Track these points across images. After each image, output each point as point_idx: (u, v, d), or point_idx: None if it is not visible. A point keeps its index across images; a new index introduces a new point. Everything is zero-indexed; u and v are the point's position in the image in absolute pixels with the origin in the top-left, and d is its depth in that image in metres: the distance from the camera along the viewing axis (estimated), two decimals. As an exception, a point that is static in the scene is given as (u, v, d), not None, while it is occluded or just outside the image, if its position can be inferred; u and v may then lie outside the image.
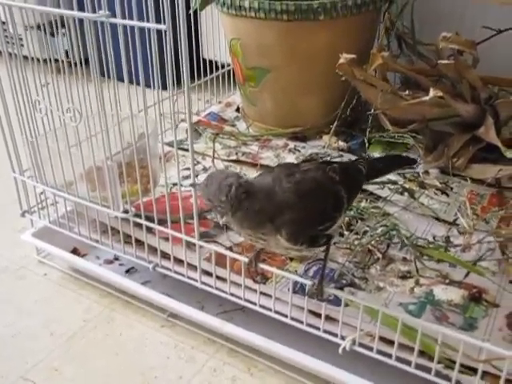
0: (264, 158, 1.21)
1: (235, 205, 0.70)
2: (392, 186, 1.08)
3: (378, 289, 0.86)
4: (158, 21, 0.74)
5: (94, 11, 0.78)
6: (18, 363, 0.89)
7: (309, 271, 0.89)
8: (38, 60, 0.90)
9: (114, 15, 0.75)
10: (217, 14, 1.32)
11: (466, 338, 0.69)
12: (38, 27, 0.89)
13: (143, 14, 0.79)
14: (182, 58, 0.73)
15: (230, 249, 0.93)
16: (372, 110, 1.17)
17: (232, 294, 0.87)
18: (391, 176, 1.08)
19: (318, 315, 0.80)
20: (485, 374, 0.71)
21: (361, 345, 0.77)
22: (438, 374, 0.72)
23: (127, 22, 0.74)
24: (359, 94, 1.21)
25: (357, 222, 0.99)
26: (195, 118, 1.38)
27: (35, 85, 0.91)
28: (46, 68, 0.90)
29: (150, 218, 0.90)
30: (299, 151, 1.24)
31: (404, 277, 0.88)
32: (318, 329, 0.80)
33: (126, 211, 0.91)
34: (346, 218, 0.97)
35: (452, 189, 1.09)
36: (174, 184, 1.08)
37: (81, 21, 0.80)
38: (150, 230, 0.92)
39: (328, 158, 1.20)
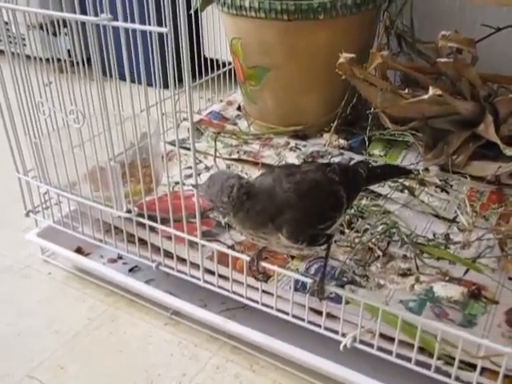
0: (265, 157, 1.22)
1: (237, 206, 0.72)
2: (392, 184, 1.08)
3: (379, 286, 0.87)
4: (160, 20, 0.75)
5: (95, 13, 0.78)
6: (23, 361, 0.90)
7: (310, 269, 0.91)
8: (41, 59, 0.91)
9: (115, 16, 0.76)
10: (217, 12, 1.33)
11: (465, 335, 0.70)
12: (41, 27, 0.90)
13: (144, 15, 0.80)
14: (183, 57, 0.74)
15: (232, 247, 0.94)
16: (372, 109, 1.17)
17: (234, 293, 0.88)
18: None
19: (319, 313, 0.81)
20: (484, 369, 0.72)
21: (361, 342, 0.78)
22: (437, 370, 0.73)
23: (129, 25, 0.75)
24: (359, 93, 1.22)
25: (357, 219, 0.99)
26: (197, 117, 1.39)
27: (38, 84, 0.92)
28: (49, 67, 0.91)
29: (152, 218, 0.91)
30: (300, 149, 1.25)
31: (404, 274, 0.89)
32: (319, 326, 0.81)
33: (129, 211, 0.92)
34: (347, 216, 0.98)
35: (452, 186, 1.10)
36: (176, 183, 1.09)
37: (83, 22, 0.81)
38: (152, 229, 0.93)
39: (329, 156, 1.21)
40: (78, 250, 1.08)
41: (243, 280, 0.85)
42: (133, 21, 0.75)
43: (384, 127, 1.20)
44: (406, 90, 1.11)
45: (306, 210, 0.74)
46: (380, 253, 0.92)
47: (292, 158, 1.21)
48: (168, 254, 0.94)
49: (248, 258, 0.85)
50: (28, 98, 0.94)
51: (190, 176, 1.11)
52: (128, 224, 0.95)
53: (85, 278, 1.06)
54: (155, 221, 0.90)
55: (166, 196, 0.92)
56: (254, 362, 0.88)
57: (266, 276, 0.88)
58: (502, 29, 1.20)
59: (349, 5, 1.16)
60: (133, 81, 0.81)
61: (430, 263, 0.91)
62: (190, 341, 0.93)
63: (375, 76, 1.15)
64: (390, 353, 0.76)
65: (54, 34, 0.93)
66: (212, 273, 0.89)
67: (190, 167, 1.13)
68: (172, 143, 1.17)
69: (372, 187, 1.06)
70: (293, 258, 0.92)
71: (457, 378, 0.72)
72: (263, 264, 0.85)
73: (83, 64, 0.87)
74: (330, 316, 0.81)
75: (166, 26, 0.72)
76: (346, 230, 0.97)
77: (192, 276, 0.92)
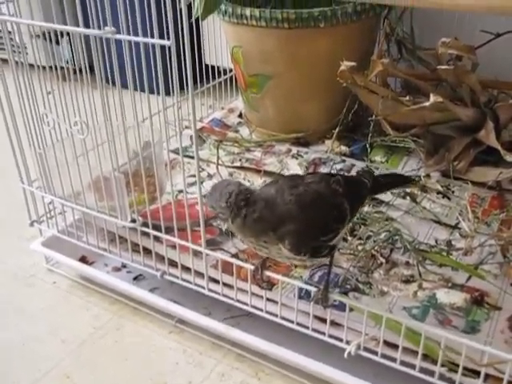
0: (267, 164, 1.22)
1: (234, 211, 0.74)
2: (394, 191, 1.09)
3: (382, 293, 0.88)
4: (161, 29, 0.76)
5: (98, 25, 0.80)
6: (29, 370, 0.91)
7: (314, 276, 0.91)
8: (44, 68, 0.92)
9: (118, 27, 0.77)
10: (219, 20, 1.34)
11: (469, 342, 0.70)
12: (44, 35, 0.91)
13: (147, 25, 0.81)
14: (186, 68, 0.75)
15: (236, 255, 0.95)
16: (373, 116, 1.18)
17: (239, 301, 0.88)
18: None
19: (324, 320, 0.82)
20: (487, 376, 0.72)
21: (366, 349, 0.79)
22: (441, 377, 0.73)
23: (132, 38, 0.76)
24: (360, 100, 1.22)
25: (360, 227, 1.00)
26: (198, 125, 1.40)
27: (41, 93, 0.93)
28: (52, 75, 0.92)
29: (157, 227, 0.92)
30: (302, 156, 1.25)
31: (407, 281, 0.90)
32: (323, 334, 0.82)
33: (133, 220, 0.93)
34: (350, 224, 0.98)
35: (453, 192, 1.11)
36: (180, 191, 1.09)
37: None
38: (157, 238, 0.94)
39: (331, 163, 1.21)
40: (83, 259, 1.09)
41: (247, 288, 0.86)
42: (135, 30, 0.76)
43: (385, 134, 1.21)
44: (407, 97, 1.12)
45: (308, 223, 0.75)
46: (383, 260, 0.93)
47: (294, 165, 1.22)
48: (172, 263, 0.94)
49: (252, 267, 0.85)
50: (32, 109, 0.94)
51: (193, 184, 1.12)
52: (132, 233, 0.96)
53: (89, 287, 1.07)
54: (159, 230, 0.91)
55: (169, 204, 0.93)
56: (259, 370, 0.89)
57: (270, 284, 0.89)
58: (501, 35, 1.21)
59: (349, 13, 1.17)
60: (135, 88, 0.82)
61: (432, 270, 0.91)
62: (195, 349, 0.93)
63: (376, 83, 1.16)
64: (394, 360, 0.76)
65: (57, 43, 0.93)
66: (216, 281, 0.90)
67: (193, 175, 1.14)
68: (175, 151, 1.18)
69: (374, 194, 1.07)
70: (296, 265, 0.93)
71: (460, 385, 0.72)
72: (267, 273, 0.86)
73: (86, 72, 0.87)
74: (334, 324, 0.82)
75: (168, 38, 0.73)
76: (349, 238, 0.98)
77: (196, 285, 0.92)
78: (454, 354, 0.74)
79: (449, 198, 1.09)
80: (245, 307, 0.88)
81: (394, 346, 0.77)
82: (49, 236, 1.10)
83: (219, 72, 1.49)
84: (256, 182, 1.17)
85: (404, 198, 1.08)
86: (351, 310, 0.80)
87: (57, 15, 0.85)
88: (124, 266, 1.08)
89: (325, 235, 0.77)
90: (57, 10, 0.85)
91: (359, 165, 1.21)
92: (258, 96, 1.31)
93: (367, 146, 1.25)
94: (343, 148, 1.27)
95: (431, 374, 0.74)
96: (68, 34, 0.87)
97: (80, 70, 0.88)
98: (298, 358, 0.84)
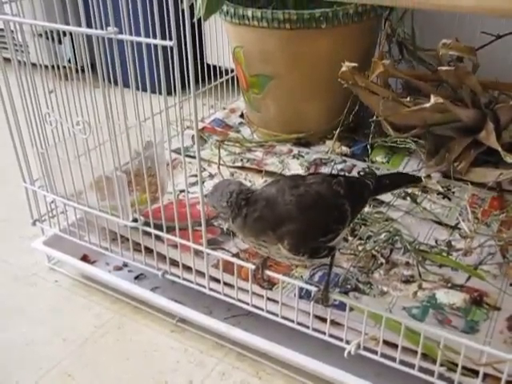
0: (269, 164, 1.23)
1: (235, 211, 0.74)
2: (395, 191, 1.09)
3: (382, 293, 0.88)
4: (163, 29, 0.76)
5: (101, 24, 0.80)
6: (31, 369, 0.91)
7: (314, 276, 0.91)
8: (46, 67, 0.92)
9: (120, 27, 0.77)
10: (220, 21, 1.35)
11: (468, 342, 0.71)
12: (46, 34, 0.92)
13: (149, 25, 0.82)
14: (188, 69, 0.76)
15: (237, 255, 0.95)
16: (374, 116, 1.19)
17: (239, 300, 0.89)
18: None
19: (324, 320, 0.82)
20: (486, 375, 0.73)
21: (365, 349, 0.79)
22: (440, 376, 0.74)
23: (134, 38, 0.76)
24: (361, 100, 1.23)
25: (360, 227, 1.01)
26: (200, 125, 1.40)
27: (44, 92, 0.93)
28: (54, 74, 0.93)
29: (158, 226, 0.92)
30: (303, 157, 1.26)
31: (407, 281, 0.90)
32: (323, 333, 0.82)
33: (135, 220, 0.94)
34: (351, 225, 0.99)
35: (454, 193, 1.11)
36: (181, 191, 1.10)
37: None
38: (158, 237, 0.94)
39: (332, 163, 1.22)
40: (84, 258, 1.09)
41: (248, 288, 0.86)
42: (138, 30, 0.77)
43: (386, 134, 1.21)
44: (408, 98, 1.12)
45: (307, 223, 0.75)
46: (383, 260, 0.93)
47: (295, 166, 1.22)
48: (174, 263, 0.95)
49: (253, 267, 0.86)
50: (34, 108, 0.95)
51: (194, 184, 1.13)
52: (134, 233, 0.97)
53: (91, 286, 1.08)
54: (161, 229, 0.92)
55: (171, 204, 0.93)
56: (260, 369, 0.89)
57: (271, 284, 0.89)
58: (501, 36, 1.21)
59: (350, 14, 1.17)
60: (137, 88, 0.82)
61: (432, 270, 0.92)
62: (196, 348, 0.94)
63: (377, 84, 1.16)
64: (393, 359, 0.77)
65: (60, 42, 0.94)
66: (217, 281, 0.90)
67: (195, 175, 1.15)
68: (176, 151, 1.18)
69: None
70: (297, 265, 0.93)
71: (459, 385, 0.73)
72: (268, 272, 0.86)
73: (88, 71, 0.88)
74: (334, 323, 0.82)
75: (170, 38, 0.73)
76: (350, 238, 0.98)
77: (198, 284, 0.93)
78: (453, 353, 0.75)
79: (449, 199, 1.09)
80: (245, 306, 0.88)
81: (394, 346, 0.77)
82: (51, 235, 1.10)
83: (221, 72, 1.49)
84: (257, 182, 1.17)
85: (404, 198, 1.09)
86: (351, 309, 0.81)
87: (59, 15, 0.85)
88: (125, 265, 1.08)
89: (324, 236, 0.77)
90: (59, 10, 0.85)
91: (360, 165, 1.21)
92: (259, 96, 1.31)
93: (368, 146, 1.25)
94: (344, 148, 1.27)
95: (431, 373, 0.74)
96: (70, 33, 0.87)
97: (82, 70, 0.89)
98: (298, 358, 0.84)
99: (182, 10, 0.73)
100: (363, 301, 0.86)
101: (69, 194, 1.00)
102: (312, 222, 0.76)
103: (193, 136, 1.31)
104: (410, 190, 1.10)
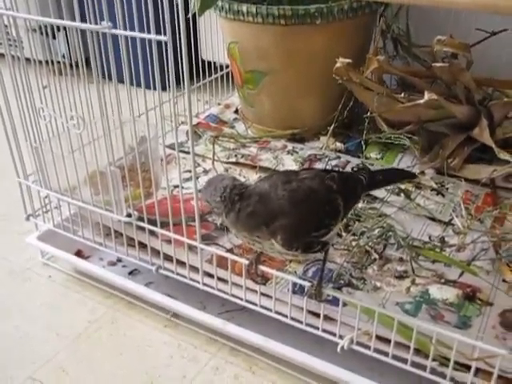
0: (263, 160, 1.23)
1: (228, 206, 0.74)
2: (388, 187, 1.10)
3: (375, 288, 0.88)
4: (158, 24, 0.76)
5: (95, 19, 0.80)
6: (25, 364, 0.91)
7: (308, 272, 0.92)
8: (40, 62, 0.92)
9: (114, 22, 0.77)
10: (215, 16, 1.34)
11: (460, 337, 0.71)
12: (40, 29, 0.91)
13: (143, 20, 0.81)
14: (183, 64, 0.75)
15: (231, 250, 0.96)
16: (368, 113, 1.19)
17: (233, 295, 0.89)
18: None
19: (317, 315, 0.82)
20: (478, 370, 0.73)
21: (358, 343, 0.79)
22: (433, 371, 0.74)
23: (129, 33, 0.76)
24: (356, 96, 1.23)
25: (354, 223, 1.01)
26: (195, 120, 1.40)
27: (38, 87, 0.93)
28: (48, 70, 0.92)
29: (152, 221, 0.92)
30: (297, 153, 1.26)
31: (400, 277, 0.90)
32: (317, 328, 0.82)
33: (129, 215, 0.94)
34: (344, 220, 0.99)
35: (447, 189, 1.11)
36: (175, 186, 1.10)
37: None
38: (152, 233, 0.94)
39: (326, 159, 1.22)
40: (78, 253, 1.09)
41: (242, 283, 0.86)
42: (132, 25, 0.76)
43: (380, 130, 1.22)
44: (402, 94, 1.13)
45: (300, 218, 0.75)
46: (376, 255, 0.94)
47: (289, 161, 1.22)
48: (168, 257, 0.95)
49: (247, 262, 0.86)
50: (28, 103, 0.95)
51: (188, 179, 1.13)
52: (128, 228, 0.97)
53: (84, 281, 1.08)
54: (155, 225, 0.92)
55: (165, 199, 0.93)
56: (253, 364, 0.89)
57: (265, 279, 0.89)
58: (496, 33, 1.22)
59: (345, 9, 1.17)
60: (131, 83, 0.82)
61: (425, 266, 0.92)
62: (190, 343, 0.94)
63: (371, 80, 1.17)
64: (386, 354, 0.77)
65: (54, 37, 0.94)
66: (211, 276, 0.90)
67: (189, 171, 1.15)
68: (170, 147, 1.18)
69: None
70: (291, 260, 0.94)
71: (452, 379, 0.73)
72: (262, 268, 0.86)
73: (82, 66, 0.88)
74: (327, 318, 0.83)
75: (165, 33, 0.73)
76: (343, 233, 0.98)
77: (191, 279, 0.93)
78: (445, 348, 0.75)
79: (443, 195, 1.10)
80: (239, 301, 0.89)
81: (387, 341, 0.78)
82: (44, 230, 1.10)
83: (215, 68, 1.49)
84: (251, 178, 1.17)
85: (398, 194, 1.09)
86: (345, 304, 0.81)
87: (53, 9, 0.85)
88: (119, 260, 1.08)
89: (317, 231, 0.77)
90: (53, 4, 0.85)
91: (354, 161, 1.21)
92: (254, 92, 1.31)
93: (362, 142, 1.26)
94: (338, 144, 1.27)
95: (423, 368, 0.74)
96: (64, 28, 0.87)
97: (76, 65, 0.89)
98: (291, 352, 0.84)
99: (177, 5, 0.73)
100: (356, 296, 0.86)
101: (63, 188, 1.00)
102: (304, 216, 0.76)
103: (187, 131, 1.31)
104: (403, 186, 1.10)
